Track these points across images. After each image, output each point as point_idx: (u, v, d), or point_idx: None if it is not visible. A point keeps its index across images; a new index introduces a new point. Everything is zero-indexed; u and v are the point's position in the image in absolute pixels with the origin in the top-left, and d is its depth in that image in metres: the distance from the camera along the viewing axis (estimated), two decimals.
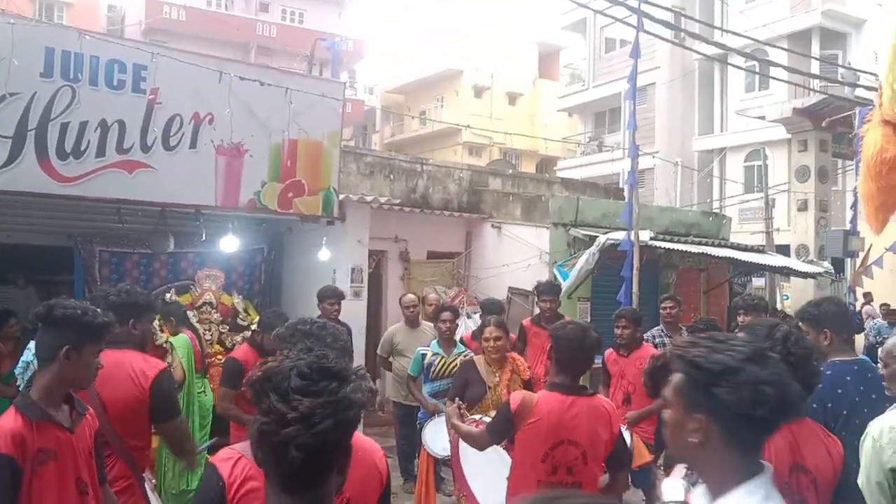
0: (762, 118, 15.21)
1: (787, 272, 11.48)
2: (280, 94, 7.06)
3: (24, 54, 5.64)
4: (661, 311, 7.46)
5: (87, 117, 6.06)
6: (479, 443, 3.64)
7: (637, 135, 9.19)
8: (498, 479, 3.63)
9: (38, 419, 2.47)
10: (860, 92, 15.19)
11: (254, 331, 5.83)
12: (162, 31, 24.39)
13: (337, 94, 7.70)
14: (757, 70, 17.67)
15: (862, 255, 13.22)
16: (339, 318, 6.46)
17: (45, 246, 7.90)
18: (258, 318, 7.93)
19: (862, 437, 2.98)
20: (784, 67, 12.21)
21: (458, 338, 6.79)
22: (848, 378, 3.47)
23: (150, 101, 6.37)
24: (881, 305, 15.71)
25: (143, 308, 3.28)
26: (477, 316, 10.02)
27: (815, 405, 3.37)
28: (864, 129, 3.59)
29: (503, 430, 3.40)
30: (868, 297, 16.15)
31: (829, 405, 3.37)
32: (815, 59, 18.07)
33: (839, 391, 3.44)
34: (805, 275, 11.24)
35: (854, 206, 13.03)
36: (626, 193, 13.28)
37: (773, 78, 15.79)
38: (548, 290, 7.19)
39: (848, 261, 14.50)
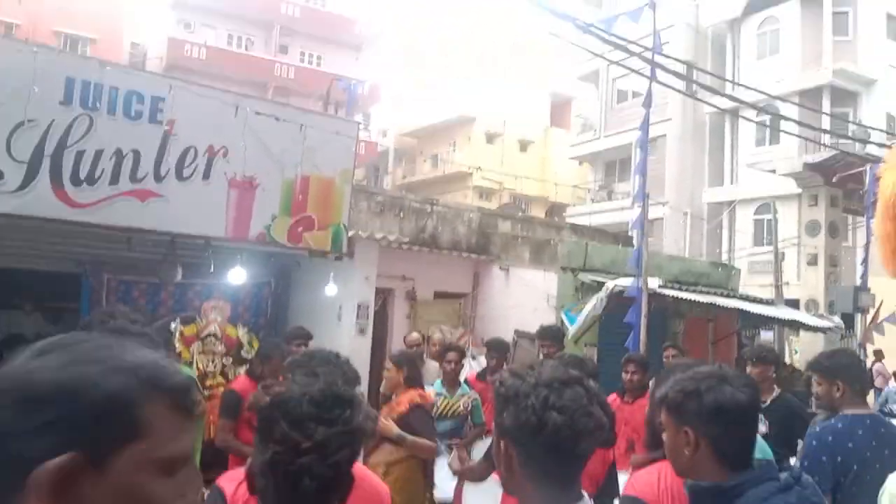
0: (773, 172, 15.28)
1: (796, 325, 11.39)
2: (294, 130, 7.14)
3: (45, 82, 5.74)
4: (663, 358, 7.39)
5: (103, 145, 6.13)
6: (481, 474, 3.60)
7: (647, 185, 9.22)
8: None
9: None
10: (871, 149, 15.28)
11: (251, 360, 5.77)
12: (182, 69, 24.84)
13: (351, 132, 7.79)
14: (768, 124, 17.83)
15: (872, 311, 13.10)
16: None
17: (53, 272, 7.92)
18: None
19: (880, 493, 2.90)
20: (795, 122, 12.30)
21: (462, 378, 6.73)
22: (860, 432, 3.39)
23: (165, 131, 6.45)
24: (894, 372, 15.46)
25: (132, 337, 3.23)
26: (482, 357, 9.97)
27: (824, 458, 3.29)
28: (881, 170, 3.59)
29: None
30: (879, 355, 15.94)
31: (839, 459, 3.29)
32: (826, 114, 18.19)
33: (850, 445, 3.36)
34: (815, 329, 11.14)
35: (865, 261, 12.97)
36: (634, 239, 13.31)
37: (785, 132, 15.90)
38: (549, 335, 6.94)
39: (858, 316, 14.39)
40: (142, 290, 7.80)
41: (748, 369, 6.02)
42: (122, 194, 6.25)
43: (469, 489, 4.26)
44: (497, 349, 6.56)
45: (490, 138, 30.34)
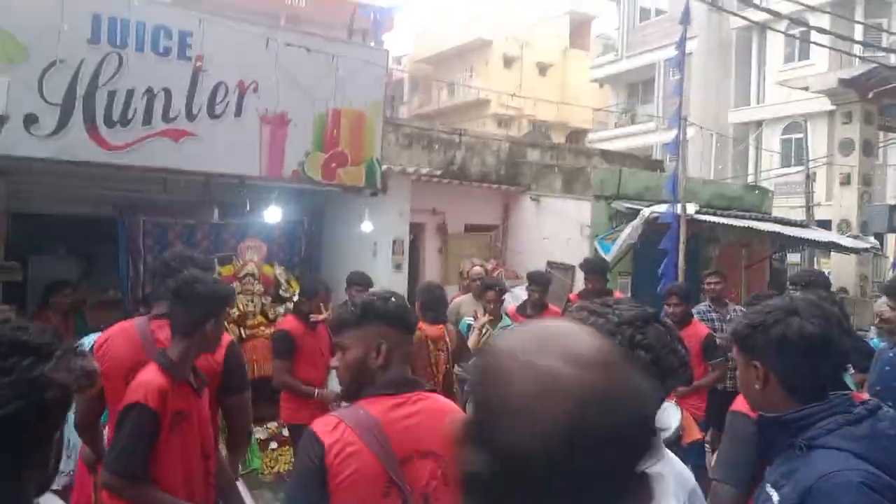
0: (805, 89, 14.80)
1: (832, 248, 11.21)
2: (324, 62, 6.93)
3: (73, 20, 5.57)
4: (705, 286, 7.31)
5: (134, 84, 5.98)
6: None
7: (672, 106, 8.95)
8: None
9: (179, 381, 2.58)
10: None
11: (297, 301, 5.79)
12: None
13: (380, 61, 7.56)
14: (798, 36, 17.16)
15: None
16: None
17: (87, 216, 7.88)
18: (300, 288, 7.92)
19: None
20: (828, 33, 11.80)
21: (503, 311, 6.71)
22: None
23: (195, 67, 6.27)
24: None
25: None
26: (516, 290, 9.94)
27: (878, 388, 3.25)
28: None
29: None
30: None
31: None
32: (860, 22, 17.49)
33: None
34: (851, 250, 10.97)
35: None
36: (669, 165, 13.08)
37: (816, 44, 15.33)
38: (594, 268, 6.82)
39: (890, 236, 14.17)
40: (177, 233, 7.74)
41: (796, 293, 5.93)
42: (156, 134, 6.12)
43: None
44: (539, 282, 6.49)
45: (508, 62, 29.64)
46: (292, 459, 6.48)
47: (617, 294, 6.27)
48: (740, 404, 2.37)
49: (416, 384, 2.06)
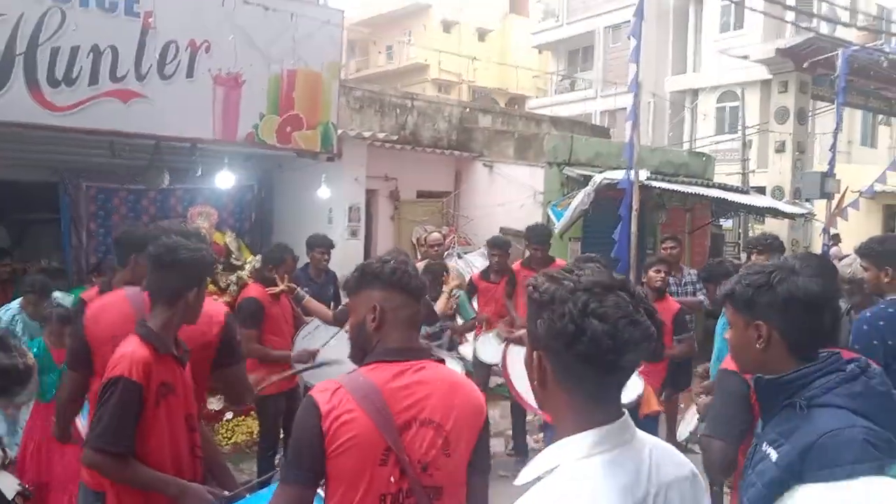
0: (745, 58, 15.14)
1: (771, 213, 11.60)
2: (279, 21, 6.67)
3: None
4: (661, 250, 7.46)
5: (79, 42, 5.62)
6: None
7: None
8: None
9: (164, 352, 2.47)
10: (840, 32, 15.24)
11: (259, 268, 5.63)
12: None
13: (337, 21, 7.32)
14: (734, 1, 17.47)
15: (837, 196, 13.43)
16: (329, 264, 6.36)
17: (20, 181, 7.43)
18: (252, 257, 7.69)
19: None
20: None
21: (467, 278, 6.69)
22: None
23: (144, 25, 5.93)
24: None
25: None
26: (469, 256, 9.93)
27: (875, 342, 3.36)
28: None
29: None
30: (836, 239, 16.50)
31: (890, 342, 3.36)
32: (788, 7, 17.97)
33: None
34: (790, 216, 11.38)
35: (833, 147, 13.16)
36: (615, 132, 13.20)
37: (752, 9, 15.59)
38: (536, 237, 6.60)
39: (819, 203, 14.74)
40: (122, 198, 7.41)
41: (753, 258, 6.09)
42: (103, 94, 5.79)
43: (513, 353, 4.72)
44: (500, 246, 6.48)
45: (447, 27, 29.34)
46: (250, 430, 6.36)
47: (559, 262, 6.30)
48: (730, 363, 2.38)
49: (421, 352, 2.02)
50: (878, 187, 14.45)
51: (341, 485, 1.85)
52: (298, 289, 5.26)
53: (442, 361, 2.05)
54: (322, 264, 6.32)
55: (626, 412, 1.31)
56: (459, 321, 6.01)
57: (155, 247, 2.60)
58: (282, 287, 5.04)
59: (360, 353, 1.99)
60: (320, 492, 1.94)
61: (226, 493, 2.60)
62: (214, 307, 2.98)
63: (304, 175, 8.14)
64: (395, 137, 9.11)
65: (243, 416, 6.44)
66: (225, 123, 6.61)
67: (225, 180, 7.29)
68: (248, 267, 7.53)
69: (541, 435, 6.21)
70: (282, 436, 5.14)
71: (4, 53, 5.25)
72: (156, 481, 2.43)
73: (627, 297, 1.24)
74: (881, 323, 3.41)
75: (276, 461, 5.04)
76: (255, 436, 5.98)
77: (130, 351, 2.41)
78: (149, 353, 2.42)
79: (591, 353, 1.21)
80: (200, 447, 2.69)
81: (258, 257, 6.50)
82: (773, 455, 1.73)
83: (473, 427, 1.98)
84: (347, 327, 2.10)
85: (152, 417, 2.42)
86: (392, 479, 1.85)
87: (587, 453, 1.23)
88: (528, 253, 7.00)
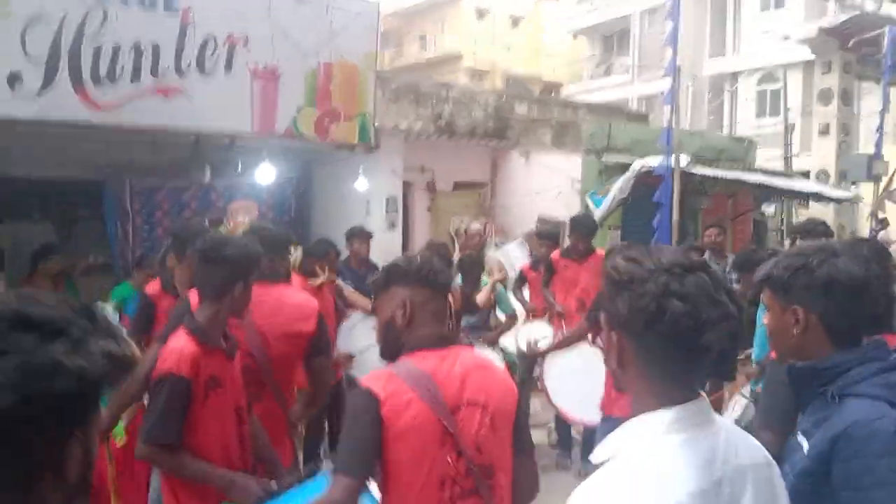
0: (787, 38, 14.78)
1: (816, 198, 11.32)
2: (316, 13, 6.69)
3: None
4: (705, 237, 7.33)
5: (120, 39, 5.71)
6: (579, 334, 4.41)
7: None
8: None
9: (211, 346, 2.51)
10: (887, 8, 14.76)
11: (304, 261, 5.66)
12: None
13: (372, 13, 7.31)
14: None
15: (885, 179, 13.05)
16: (370, 256, 6.37)
17: (66, 179, 7.58)
18: (294, 249, 7.75)
19: None
20: None
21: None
22: None
23: (183, 20, 5.99)
24: None
25: (284, 241, 3.33)
26: (506, 246, 9.87)
27: None
28: None
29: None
30: (884, 223, 16.04)
31: None
32: None
33: None
34: (836, 200, 11.10)
35: (879, 128, 12.77)
36: (654, 118, 13.00)
37: None
38: (583, 228, 6.28)
39: (866, 186, 14.34)
40: (164, 195, 7.52)
41: (798, 244, 5.94)
42: (146, 92, 5.87)
43: (550, 367, 4.76)
44: (548, 237, 6.49)
45: (480, 14, 29.13)
46: None
47: (599, 252, 6.14)
48: None
49: (453, 340, 2.11)
50: None
51: (402, 471, 1.89)
52: (339, 279, 5.29)
53: (471, 346, 2.18)
54: (362, 255, 6.33)
55: (704, 394, 1.32)
56: (500, 314, 5.98)
57: (201, 242, 2.64)
58: (323, 278, 5.06)
59: (391, 349, 2.06)
60: (372, 488, 1.96)
61: (273, 484, 2.63)
62: (307, 298, 3.12)
63: (341, 168, 8.17)
64: (431, 128, 9.07)
65: None
66: (263, 117, 6.66)
67: (264, 175, 7.34)
68: (290, 259, 7.60)
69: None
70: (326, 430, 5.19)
71: (50, 53, 5.35)
72: (204, 472, 2.49)
73: (707, 277, 1.25)
74: None
75: (321, 454, 5.09)
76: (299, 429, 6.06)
77: (178, 346, 2.47)
78: (196, 348, 2.46)
79: (671, 333, 1.22)
80: (250, 439, 2.73)
81: (299, 251, 6.55)
82: (805, 445, 1.69)
83: (510, 405, 2.06)
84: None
85: (201, 410, 2.47)
86: (449, 460, 1.90)
87: (665, 430, 1.24)
88: (568, 242, 6.91)
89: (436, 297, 2.09)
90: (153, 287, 3.72)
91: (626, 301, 1.26)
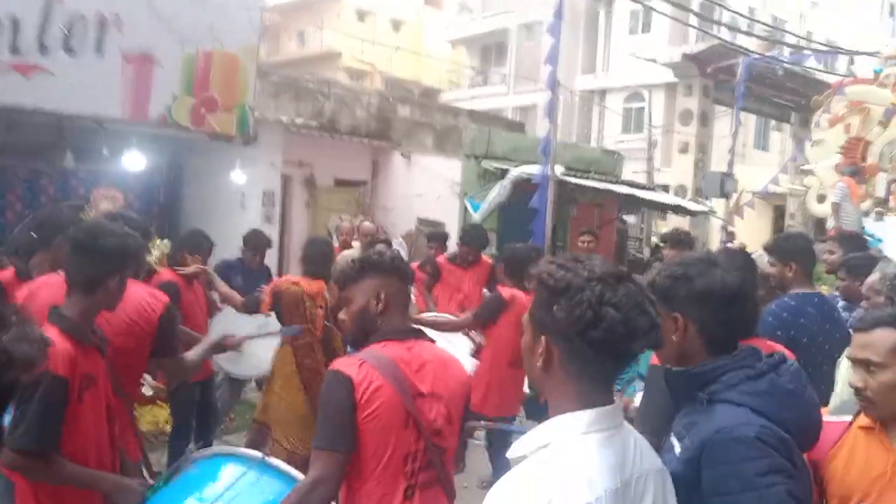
0: (653, 61, 15.73)
1: (677, 210, 12.11)
2: (195, 1, 6.41)
3: None
4: (579, 244, 7.64)
5: None
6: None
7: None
8: None
9: (86, 343, 2.34)
10: (741, 40, 16.03)
11: (172, 253, 5.41)
12: None
13: (255, 4, 7.11)
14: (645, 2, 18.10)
15: (735, 196, 14.20)
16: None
17: None
18: (160, 242, 7.36)
19: (837, 363, 3.15)
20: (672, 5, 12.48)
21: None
22: (810, 309, 3.66)
23: None
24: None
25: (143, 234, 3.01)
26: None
27: (779, 333, 3.55)
28: None
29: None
30: (731, 236, 17.40)
31: (792, 333, 3.54)
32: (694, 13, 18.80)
33: (801, 321, 3.63)
34: (692, 212, 11.92)
35: (731, 149, 13.89)
36: (541, 127, 13.39)
37: (658, 12, 16.18)
38: (475, 241, 6.37)
39: (718, 201, 15.53)
40: (19, 178, 6.95)
41: (664, 252, 6.34)
42: (3, 68, 5.41)
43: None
44: (437, 239, 6.55)
45: (361, 16, 29.00)
46: (156, 420, 6.11)
47: (485, 259, 6.35)
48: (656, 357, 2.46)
49: (418, 332, 2.25)
50: (771, 188, 15.37)
51: (371, 447, 2.04)
52: (210, 271, 5.08)
53: (433, 342, 2.28)
54: (255, 264, 6.08)
55: (617, 399, 1.39)
56: None
57: (75, 230, 2.44)
58: (193, 268, 4.87)
59: (363, 336, 2.19)
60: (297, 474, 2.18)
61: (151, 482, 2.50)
62: (154, 296, 2.87)
63: (216, 159, 7.87)
64: (313, 123, 8.94)
65: (149, 406, 6.19)
66: (135, 102, 6.32)
67: (133, 162, 6.96)
68: (156, 252, 7.22)
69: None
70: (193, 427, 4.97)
71: None
72: (89, 478, 2.32)
73: (635, 287, 1.32)
74: (785, 315, 3.59)
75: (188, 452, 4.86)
76: (160, 425, 5.78)
77: (52, 343, 2.26)
78: (71, 345, 2.26)
79: (604, 340, 1.28)
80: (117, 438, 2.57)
81: (166, 242, 6.24)
82: (677, 447, 1.74)
83: (463, 398, 2.27)
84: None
85: (76, 411, 2.27)
86: (412, 440, 2.10)
87: (584, 430, 1.30)
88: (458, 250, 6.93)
89: (403, 288, 2.26)
90: (5, 275, 3.38)
91: (563, 308, 1.30)
